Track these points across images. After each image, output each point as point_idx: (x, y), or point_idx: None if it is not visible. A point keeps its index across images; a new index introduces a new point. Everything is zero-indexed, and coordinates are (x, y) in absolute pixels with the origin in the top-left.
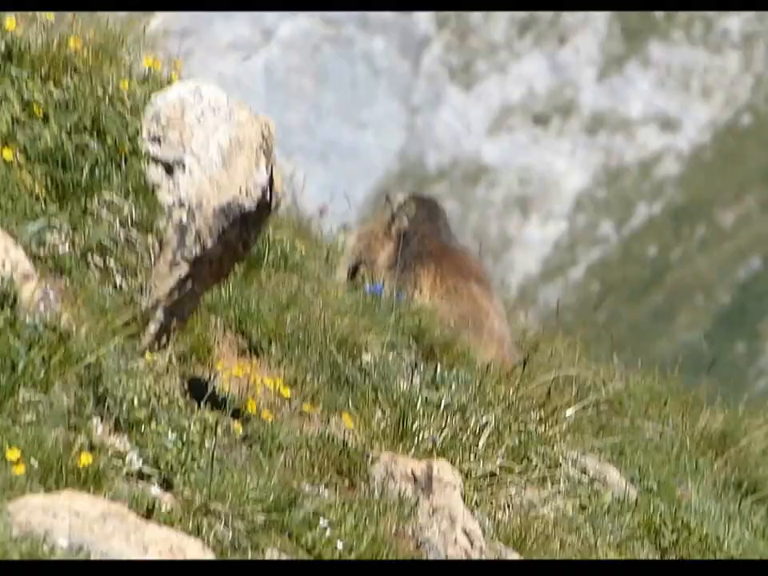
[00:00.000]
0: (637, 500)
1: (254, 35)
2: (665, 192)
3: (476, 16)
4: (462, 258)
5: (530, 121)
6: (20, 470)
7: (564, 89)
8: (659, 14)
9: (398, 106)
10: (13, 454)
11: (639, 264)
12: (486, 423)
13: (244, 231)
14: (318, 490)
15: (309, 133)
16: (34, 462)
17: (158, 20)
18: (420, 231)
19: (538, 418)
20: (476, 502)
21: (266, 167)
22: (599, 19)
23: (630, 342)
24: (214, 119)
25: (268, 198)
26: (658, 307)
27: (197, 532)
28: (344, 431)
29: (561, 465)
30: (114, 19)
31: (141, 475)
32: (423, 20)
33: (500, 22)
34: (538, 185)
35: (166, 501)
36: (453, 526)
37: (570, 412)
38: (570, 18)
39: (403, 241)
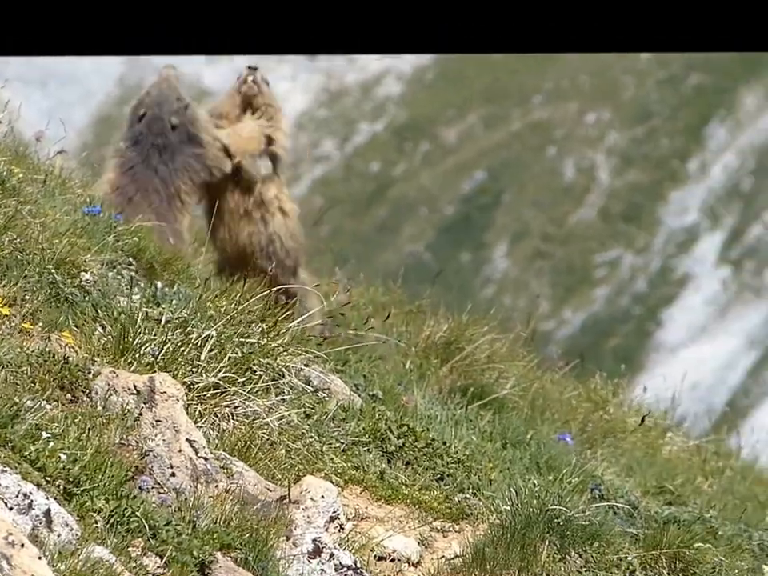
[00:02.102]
0: (362, 407)
1: None
2: (387, 111)
3: None
4: None
5: None
6: None
7: None
8: None
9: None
10: None
11: (362, 180)
12: (208, 337)
13: None
14: (40, 405)
15: (26, 61)
16: None
17: None
18: None
19: (260, 330)
20: (200, 413)
21: None
22: None
23: (354, 256)
24: None
25: None
26: (383, 221)
27: None
28: (65, 347)
29: (284, 375)
30: None
31: None
32: None
33: None
34: None
35: None
36: (176, 436)
37: (293, 324)
38: None
39: None
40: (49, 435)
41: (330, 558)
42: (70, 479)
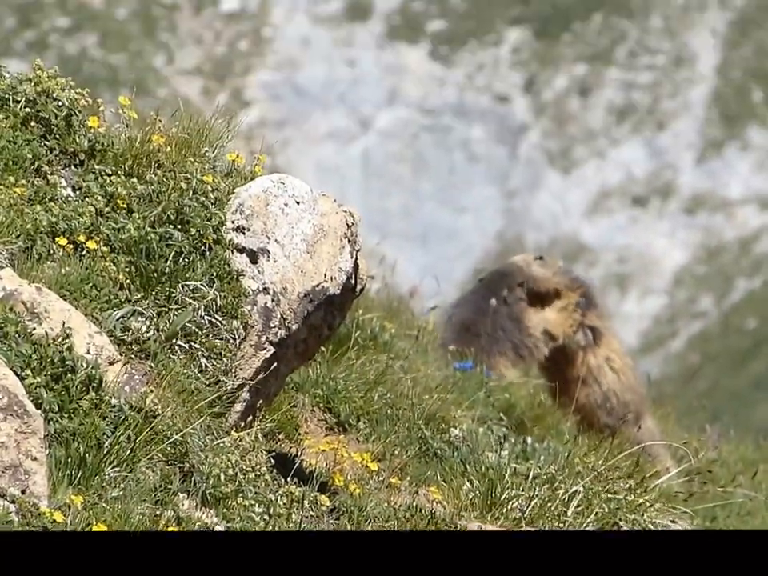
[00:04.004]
0: None
1: (351, 125)
2: (765, 268)
3: (574, 104)
4: None
5: (629, 203)
6: None
7: (663, 172)
8: (757, 99)
9: (495, 190)
10: (99, 528)
11: (740, 335)
12: (575, 492)
13: (329, 314)
14: None
15: (408, 217)
16: None
17: (255, 111)
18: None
19: (627, 486)
20: None
21: (351, 254)
22: (697, 105)
23: (729, 412)
24: (298, 209)
25: (353, 282)
26: (760, 376)
27: None
28: (432, 502)
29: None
30: (207, 112)
31: None
32: (520, 108)
33: (598, 110)
34: (637, 263)
35: None
36: None
37: (660, 481)
38: (668, 104)
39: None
40: None
41: None
42: None
